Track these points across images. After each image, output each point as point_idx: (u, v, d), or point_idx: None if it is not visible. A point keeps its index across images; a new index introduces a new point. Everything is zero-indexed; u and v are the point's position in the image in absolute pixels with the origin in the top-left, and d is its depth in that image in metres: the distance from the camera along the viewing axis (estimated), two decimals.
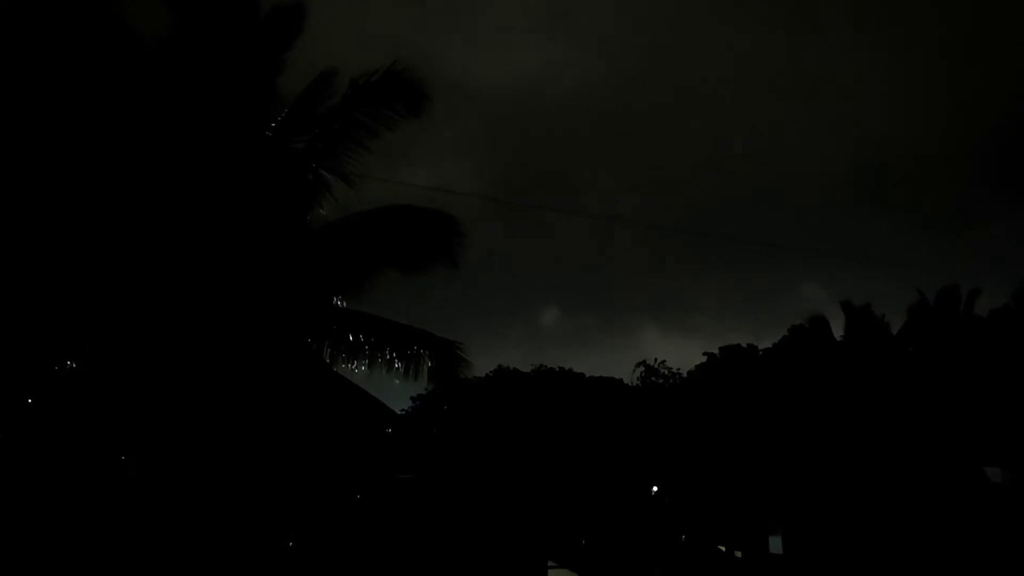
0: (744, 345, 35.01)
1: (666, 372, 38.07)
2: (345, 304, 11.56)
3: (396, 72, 10.83)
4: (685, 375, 36.78)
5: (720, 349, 34.98)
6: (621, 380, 38.17)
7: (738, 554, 31.91)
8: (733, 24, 71.90)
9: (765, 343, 34.32)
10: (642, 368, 38.19)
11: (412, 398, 38.58)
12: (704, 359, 35.17)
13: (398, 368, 11.31)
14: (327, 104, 11.13)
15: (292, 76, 11.16)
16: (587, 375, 38.92)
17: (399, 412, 33.74)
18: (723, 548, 32.57)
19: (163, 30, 10.60)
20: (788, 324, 30.99)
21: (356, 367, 11.39)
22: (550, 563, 22.23)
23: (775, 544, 30.91)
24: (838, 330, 29.13)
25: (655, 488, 34.30)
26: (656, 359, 38.46)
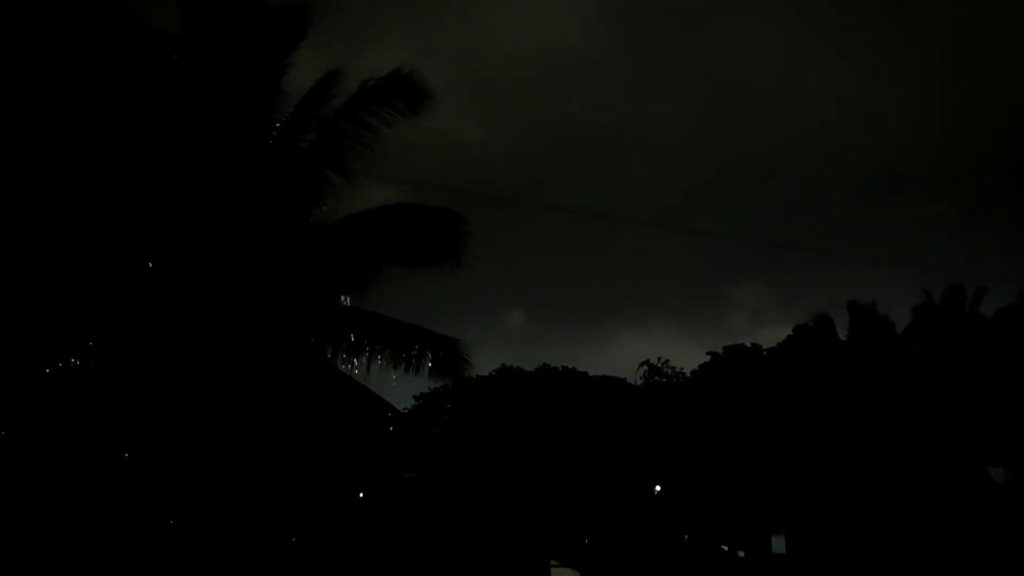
0: (748, 344, 35.02)
1: (670, 371, 38.05)
2: (349, 302, 11.60)
3: (402, 74, 10.93)
4: (688, 374, 36.77)
5: (724, 348, 34.99)
6: (624, 379, 38.18)
7: (741, 554, 31.88)
8: (737, 23, 71.84)
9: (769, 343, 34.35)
10: (646, 367, 38.17)
11: (415, 397, 38.65)
12: (708, 358, 35.19)
13: (401, 366, 11.35)
14: (332, 104, 11.18)
15: (298, 76, 11.24)
16: (590, 374, 38.95)
17: (402, 410, 33.74)
18: (726, 548, 32.55)
19: (173, 27, 10.65)
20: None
21: (359, 365, 11.43)
22: (553, 562, 22.23)
23: (778, 544, 30.88)
24: (842, 330, 29.18)
25: (658, 487, 34.28)
26: (660, 358, 38.46)
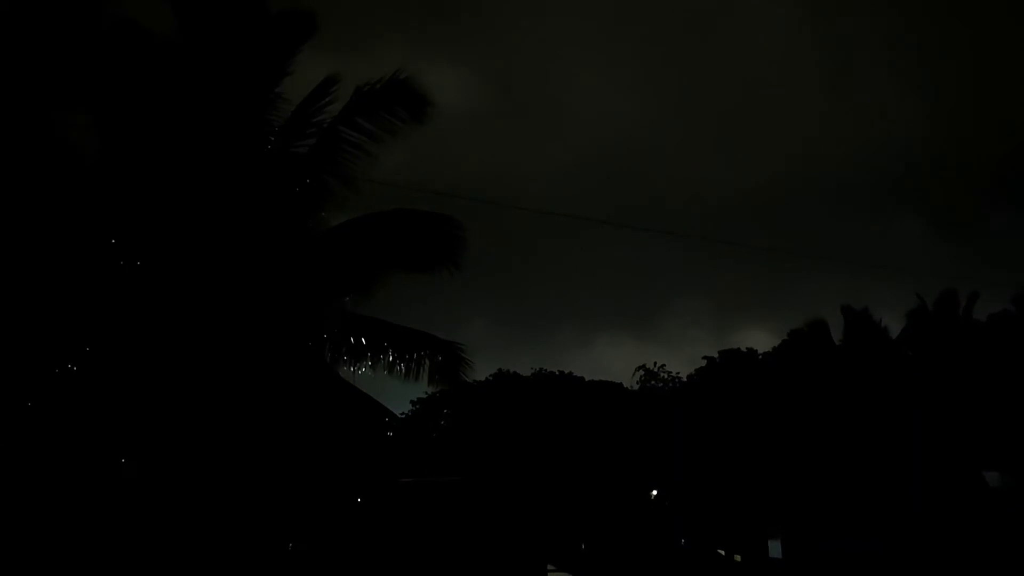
0: (743, 349, 35.05)
1: (665, 376, 38.08)
2: (348, 307, 11.61)
3: (399, 80, 10.92)
4: (684, 379, 36.79)
5: (719, 353, 35.03)
6: (621, 384, 38.17)
7: (737, 558, 31.92)
8: (737, 23, 72.12)
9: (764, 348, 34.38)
10: (642, 372, 38.20)
11: (412, 402, 38.54)
12: (703, 363, 35.22)
13: (400, 370, 11.36)
14: (329, 109, 11.18)
15: (298, 81, 11.24)
16: (587, 379, 38.89)
17: (399, 415, 33.70)
18: (722, 552, 32.57)
19: (170, 34, 10.65)
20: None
21: (358, 370, 11.44)
22: (549, 567, 22.26)
23: (774, 548, 30.93)
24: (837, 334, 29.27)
25: (654, 492, 34.29)
26: (655, 363, 38.48)
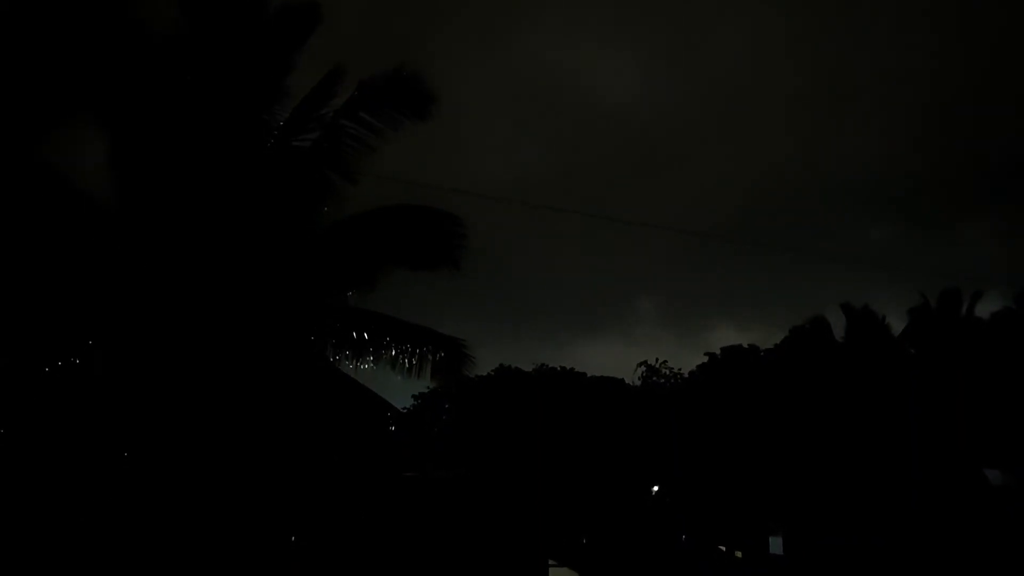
0: (745, 345, 35.09)
1: (667, 372, 38.14)
2: (350, 302, 11.64)
3: (403, 75, 10.90)
4: (686, 375, 36.85)
5: (721, 349, 35.08)
6: (623, 380, 38.21)
7: (738, 554, 31.95)
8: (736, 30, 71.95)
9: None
10: (643, 368, 38.26)
11: (414, 396, 38.61)
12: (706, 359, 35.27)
13: (402, 365, 11.39)
14: (333, 104, 11.18)
15: (303, 76, 11.22)
16: (588, 374, 38.93)
17: (401, 410, 33.68)
18: (723, 548, 32.61)
19: (171, 28, 10.65)
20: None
21: (360, 365, 11.48)
22: (551, 562, 22.33)
23: (775, 545, 30.96)
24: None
25: (655, 488, 34.35)
26: (657, 359, 38.55)
